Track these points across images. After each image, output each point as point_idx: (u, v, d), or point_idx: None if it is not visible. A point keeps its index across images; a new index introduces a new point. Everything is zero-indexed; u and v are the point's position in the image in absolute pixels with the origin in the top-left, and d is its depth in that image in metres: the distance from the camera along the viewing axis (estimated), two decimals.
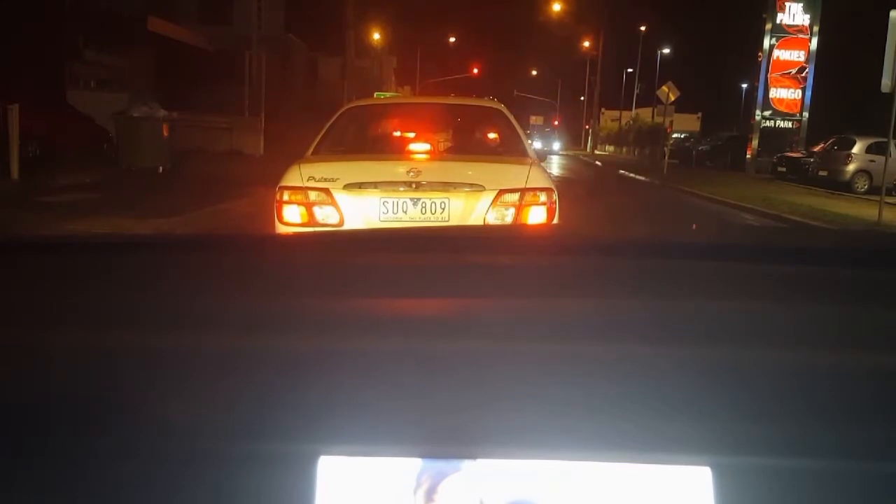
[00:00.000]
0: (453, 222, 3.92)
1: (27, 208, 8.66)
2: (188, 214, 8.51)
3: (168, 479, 0.63)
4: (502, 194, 3.96)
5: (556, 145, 53.39)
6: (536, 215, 3.97)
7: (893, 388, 0.65)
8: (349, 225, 3.91)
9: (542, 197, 4.01)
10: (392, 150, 5.08)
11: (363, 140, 5.19)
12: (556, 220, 4.06)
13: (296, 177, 3.99)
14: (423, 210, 3.95)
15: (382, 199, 3.96)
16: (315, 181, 3.94)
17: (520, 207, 3.96)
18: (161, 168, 13.59)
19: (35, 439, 0.64)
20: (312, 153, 4.50)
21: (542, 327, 0.72)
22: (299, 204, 3.95)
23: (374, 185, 3.98)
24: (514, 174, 4.11)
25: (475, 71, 40.14)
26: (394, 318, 0.74)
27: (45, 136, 12.78)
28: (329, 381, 0.65)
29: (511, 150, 4.80)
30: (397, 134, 5.45)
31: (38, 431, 0.64)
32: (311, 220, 3.93)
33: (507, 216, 3.95)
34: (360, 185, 3.96)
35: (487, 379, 0.65)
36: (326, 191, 3.93)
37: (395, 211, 3.96)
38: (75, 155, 13.25)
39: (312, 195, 3.93)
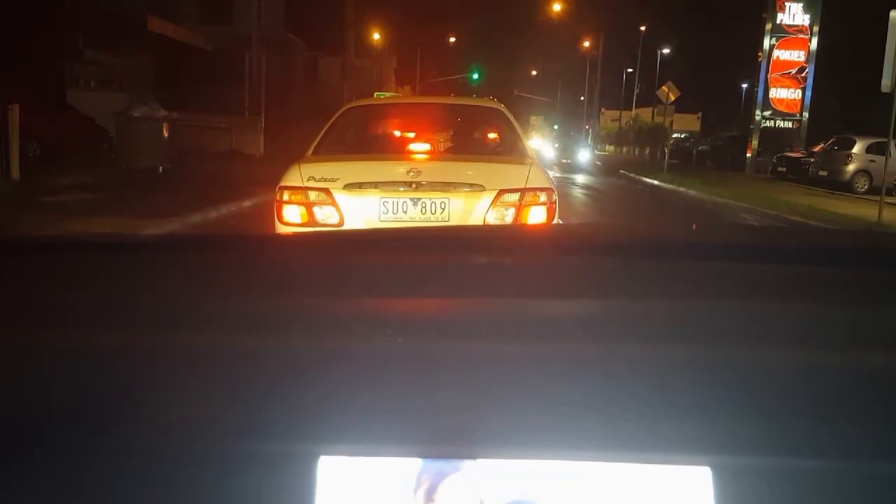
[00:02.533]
0: (453, 222, 3.92)
1: (27, 208, 8.64)
2: (188, 214, 8.50)
3: (168, 479, 0.63)
4: (502, 194, 3.96)
5: (585, 154, 32.66)
6: (536, 215, 3.98)
7: (893, 388, 0.65)
8: (349, 225, 3.91)
9: (542, 197, 4.01)
10: (392, 150, 5.10)
11: (363, 140, 5.18)
12: (556, 220, 4.08)
13: (296, 177, 3.98)
14: (423, 210, 3.95)
15: (382, 199, 3.96)
16: (315, 181, 3.94)
17: (520, 207, 3.96)
18: (161, 168, 13.59)
19: (35, 439, 0.64)
20: (312, 153, 4.50)
21: (542, 327, 0.72)
22: (299, 204, 3.94)
23: (374, 185, 3.98)
24: (514, 174, 4.11)
25: (475, 76, 40.13)
26: (394, 318, 0.74)
27: (46, 136, 12.78)
28: (329, 381, 0.65)
29: (511, 150, 4.81)
30: (397, 134, 5.46)
31: (37, 432, 0.64)
32: (311, 220, 3.93)
33: (507, 216, 3.95)
34: (360, 185, 3.95)
35: (487, 379, 0.65)
36: (326, 191, 3.92)
37: (395, 211, 3.96)
38: (75, 155, 13.25)
39: (312, 195, 3.93)
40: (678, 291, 0.82)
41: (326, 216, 3.93)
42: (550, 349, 0.68)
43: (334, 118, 4.96)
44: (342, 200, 3.92)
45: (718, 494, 0.61)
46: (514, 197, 3.97)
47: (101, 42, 18.03)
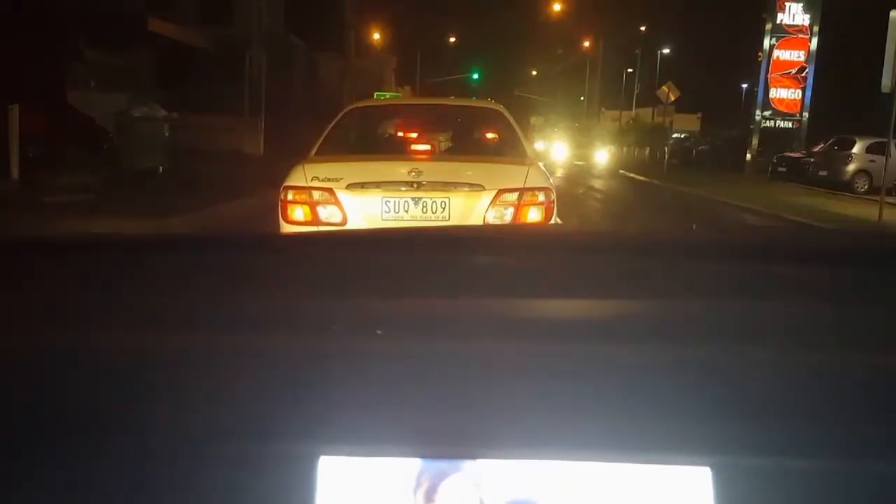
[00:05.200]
0: (454, 221, 4.02)
1: (27, 208, 8.60)
2: (188, 215, 8.46)
3: (168, 479, 0.63)
4: (501, 194, 4.05)
5: None
6: (534, 214, 4.08)
7: (893, 388, 0.65)
8: (352, 224, 4.01)
9: (541, 196, 4.10)
10: (394, 150, 5.20)
11: (365, 140, 5.29)
12: (553, 220, 4.18)
13: (300, 176, 4.08)
14: (425, 209, 4.04)
15: (384, 199, 4.05)
16: (319, 181, 4.03)
17: (518, 206, 4.05)
18: (161, 168, 13.54)
19: (35, 439, 0.64)
20: (316, 153, 4.58)
21: (542, 327, 0.72)
22: (303, 203, 4.04)
23: (377, 184, 4.07)
24: (513, 174, 4.20)
25: (475, 77, 40.06)
26: (394, 318, 0.74)
27: (46, 136, 12.73)
28: (329, 382, 0.65)
29: (510, 151, 4.89)
30: (399, 135, 5.59)
31: (38, 432, 0.64)
32: (315, 219, 4.01)
33: (507, 215, 4.04)
34: (362, 185, 4.05)
35: (487, 379, 0.65)
36: (330, 190, 4.01)
37: (397, 210, 4.05)
38: (76, 155, 13.20)
39: (316, 194, 4.02)
40: (678, 291, 0.82)
41: (330, 215, 4.02)
42: (551, 349, 0.68)
43: (337, 119, 5.05)
44: (345, 200, 4.02)
45: (718, 494, 0.61)
46: (513, 196, 4.06)
47: (101, 42, 18.00)
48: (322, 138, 4.77)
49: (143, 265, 0.94)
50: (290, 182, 4.10)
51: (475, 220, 4.04)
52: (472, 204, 4.08)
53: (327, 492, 0.62)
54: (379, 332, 0.70)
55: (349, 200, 4.03)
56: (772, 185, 20.15)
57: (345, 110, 5.32)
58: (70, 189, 10.24)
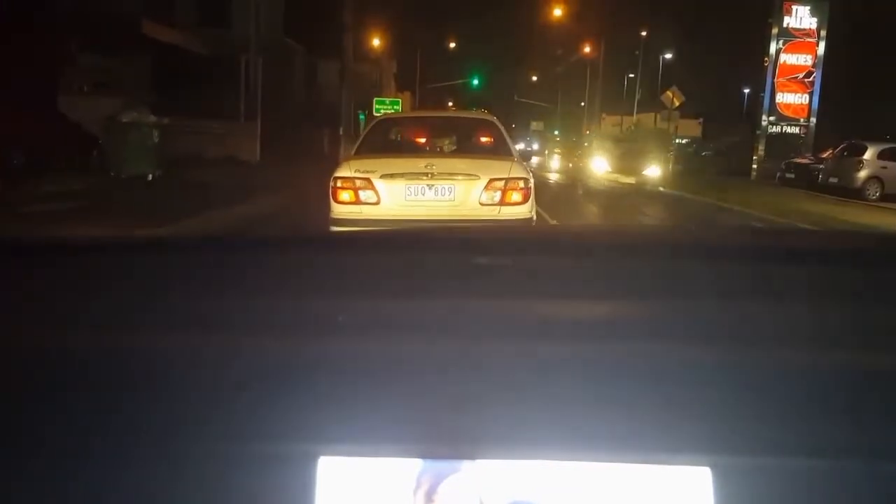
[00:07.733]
0: (457, 202, 5.72)
1: (9, 218, 8.12)
2: (179, 223, 7.94)
3: (168, 480, 0.63)
4: (492, 182, 5.73)
5: None
6: (516, 196, 5.76)
7: (893, 388, 0.65)
8: (384, 202, 5.68)
9: (521, 184, 5.78)
10: (413, 150, 7.26)
11: (391, 143, 7.05)
12: (530, 200, 5.84)
13: (346, 170, 5.77)
14: (436, 193, 5.73)
15: (407, 185, 5.72)
16: (360, 172, 5.70)
17: (504, 191, 5.73)
18: (151, 176, 12.91)
19: (35, 439, 0.64)
20: (355, 153, 6.30)
21: (541, 327, 0.72)
22: (349, 189, 5.69)
23: (401, 175, 5.72)
24: (501, 168, 5.85)
25: (475, 82, 40.09)
26: (394, 319, 0.74)
27: (31, 144, 12.26)
28: (329, 382, 0.65)
29: (499, 151, 6.45)
30: (415, 139, 7.73)
31: (38, 432, 0.64)
32: (357, 200, 5.67)
33: (495, 197, 5.74)
34: (391, 175, 5.71)
35: (487, 379, 0.65)
36: (368, 179, 5.67)
37: (416, 194, 5.72)
38: (63, 162, 12.70)
39: (358, 182, 5.68)
40: (678, 292, 0.82)
41: (368, 197, 5.68)
42: (551, 350, 0.68)
43: (369, 128, 7.07)
44: (379, 186, 5.68)
45: (718, 494, 0.61)
46: (501, 184, 5.73)
47: (95, 46, 17.75)
48: (359, 142, 6.60)
49: (144, 266, 0.94)
50: (339, 174, 5.75)
51: (473, 200, 5.72)
52: (471, 189, 5.73)
53: (327, 492, 0.62)
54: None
55: (382, 186, 5.67)
56: (781, 192, 19.45)
57: (374, 122, 7.42)
58: (55, 197, 9.63)
